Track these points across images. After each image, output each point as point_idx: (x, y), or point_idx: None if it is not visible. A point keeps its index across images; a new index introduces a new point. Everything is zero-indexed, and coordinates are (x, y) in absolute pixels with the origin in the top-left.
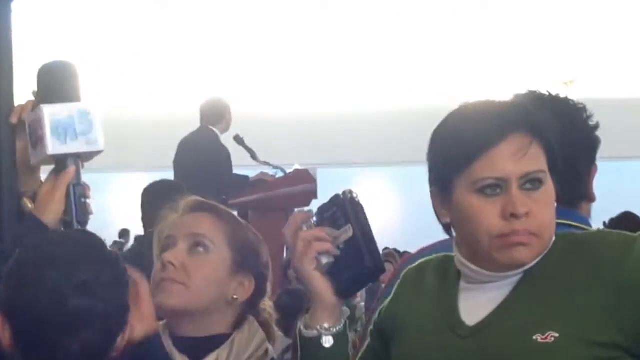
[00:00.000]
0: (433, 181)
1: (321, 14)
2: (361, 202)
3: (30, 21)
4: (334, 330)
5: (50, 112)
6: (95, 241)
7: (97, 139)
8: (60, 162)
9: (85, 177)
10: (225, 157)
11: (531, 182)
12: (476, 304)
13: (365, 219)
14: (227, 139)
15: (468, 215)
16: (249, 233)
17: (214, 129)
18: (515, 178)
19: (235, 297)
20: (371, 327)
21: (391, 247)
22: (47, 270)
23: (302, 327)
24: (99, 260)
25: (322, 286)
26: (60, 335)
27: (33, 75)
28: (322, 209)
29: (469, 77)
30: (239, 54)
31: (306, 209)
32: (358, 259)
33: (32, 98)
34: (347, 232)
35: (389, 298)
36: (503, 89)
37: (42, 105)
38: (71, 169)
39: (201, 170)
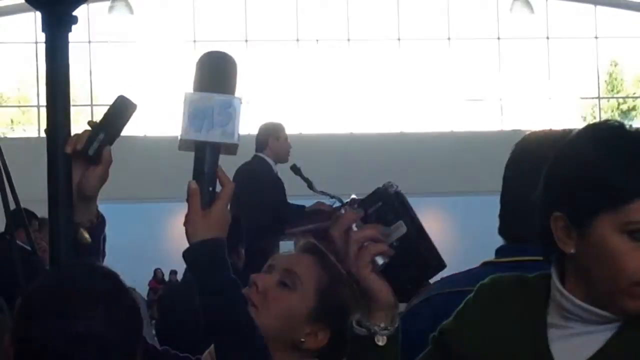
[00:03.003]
0: (561, 206)
1: (377, 41)
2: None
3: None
4: (390, 330)
5: (192, 100)
6: (112, 285)
7: (234, 132)
8: (199, 151)
9: (146, 206)
10: (276, 187)
11: None
12: (572, 345)
13: (414, 212)
14: (284, 169)
15: (610, 254)
16: (346, 290)
17: (264, 156)
18: None
19: (302, 340)
20: (435, 334)
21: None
22: (56, 321)
23: (354, 325)
24: (117, 313)
25: (380, 288)
26: None
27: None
28: (364, 204)
29: (521, 107)
30: (299, 78)
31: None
32: (417, 257)
33: (89, 128)
34: (400, 228)
35: (462, 314)
36: (559, 116)
37: (185, 92)
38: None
39: (255, 201)
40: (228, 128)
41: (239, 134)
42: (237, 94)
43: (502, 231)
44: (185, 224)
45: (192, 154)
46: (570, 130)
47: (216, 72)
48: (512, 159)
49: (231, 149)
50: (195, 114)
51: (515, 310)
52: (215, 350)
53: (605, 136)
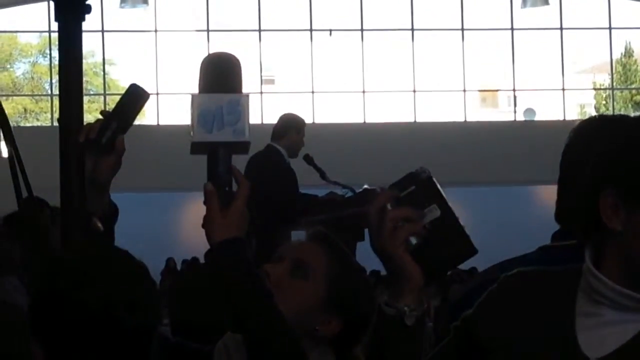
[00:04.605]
0: (612, 184)
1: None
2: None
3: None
4: (419, 310)
5: (200, 102)
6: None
7: (244, 130)
8: (212, 152)
9: (159, 196)
10: (288, 177)
11: None
12: (601, 335)
13: (446, 198)
14: (297, 158)
15: None
16: (357, 277)
17: (278, 146)
18: None
19: (316, 328)
20: (457, 323)
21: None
22: (90, 291)
23: (382, 305)
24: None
25: (412, 268)
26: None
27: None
28: (396, 188)
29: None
30: (312, 68)
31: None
32: (450, 241)
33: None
34: (434, 211)
35: (486, 303)
36: (572, 107)
37: (192, 95)
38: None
39: (267, 191)
40: (238, 126)
41: (249, 132)
42: (245, 89)
43: (557, 216)
44: (204, 225)
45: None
46: (622, 116)
47: (221, 73)
48: (567, 145)
49: (243, 147)
50: (204, 116)
51: (542, 299)
52: (246, 345)
53: None
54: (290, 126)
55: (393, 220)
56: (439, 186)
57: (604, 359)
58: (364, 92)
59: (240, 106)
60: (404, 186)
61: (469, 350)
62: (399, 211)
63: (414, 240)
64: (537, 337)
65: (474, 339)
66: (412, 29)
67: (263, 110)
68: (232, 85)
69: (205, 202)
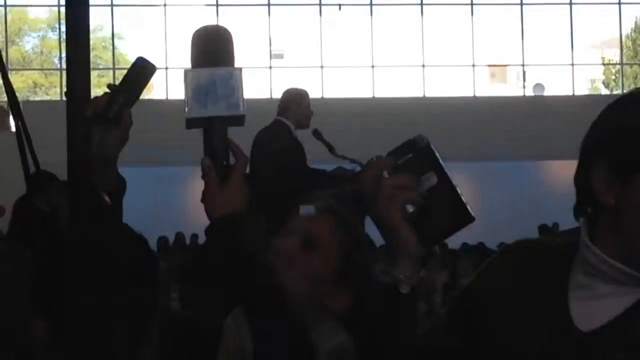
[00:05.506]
0: (606, 157)
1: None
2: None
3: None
4: (415, 278)
5: (193, 76)
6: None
7: (239, 103)
8: (207, 126)
9: (168, 170)
10: (296, 149)
11: None
12: (593, 307)
13: (443, 165)
14: (306, 134)
15: None
16: (365, 251)
17: (285, 120)
18: None
19: (327, 302)
20: (456, 293)
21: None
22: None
23: (378, 272)
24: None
25: (408, 236)
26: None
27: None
28: (393, 155)
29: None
30: (321, 43)
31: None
32: (446, 208)
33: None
34: (431, 179)
35: (485, 273)
36: (582, 83)
37: (185, 70)
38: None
39: (275, 164)
40: (232, 100)
41: (244, 105)
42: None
43: None
44: (203, 200)
45: None
46: None
47: (212, 46)
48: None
49: (238, 120)
50: (197, 91)
51: (539, 270)
52: (249, 319)
53: None
54: (290, 101)
55: (389, 188)
56: (437, 154)
57: (596, 332)
58: (372, 66)
59: (233, 79)
60: (401, 154)
61: (464, 320)
62: (395, 179)
63: (410, 208)
64: (530, 309)
65: (472, 308)
66: (422, 4)
67: (272, 85)
68: (224, 58)
69: (203, 177)
